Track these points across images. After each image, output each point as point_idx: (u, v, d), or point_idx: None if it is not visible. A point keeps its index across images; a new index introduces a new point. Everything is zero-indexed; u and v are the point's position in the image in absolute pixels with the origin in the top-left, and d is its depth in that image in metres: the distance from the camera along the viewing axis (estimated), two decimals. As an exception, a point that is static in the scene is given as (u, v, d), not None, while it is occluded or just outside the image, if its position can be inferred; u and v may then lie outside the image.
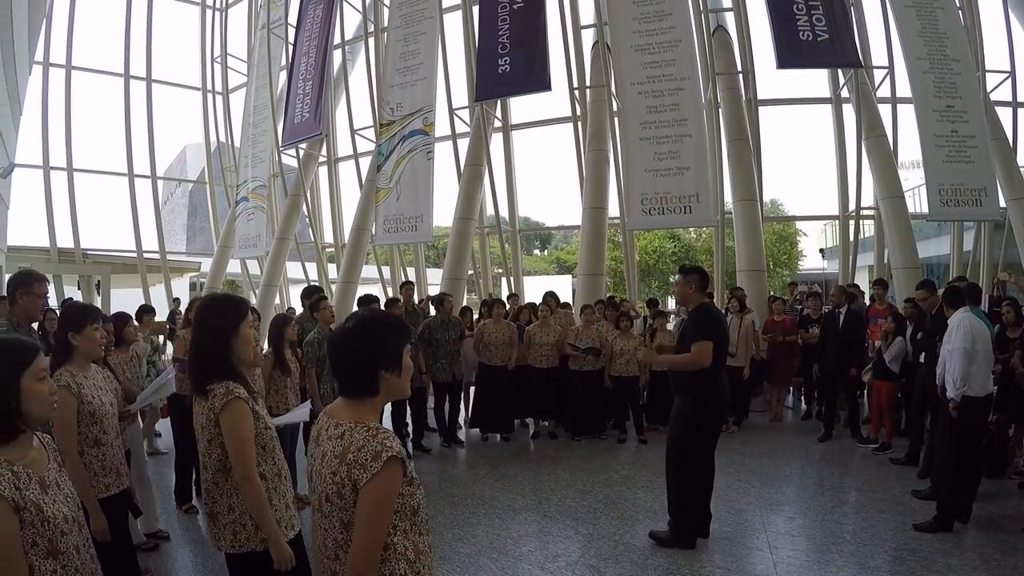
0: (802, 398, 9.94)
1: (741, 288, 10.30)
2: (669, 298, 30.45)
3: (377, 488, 1.71)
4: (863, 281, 12.59)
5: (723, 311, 9.50)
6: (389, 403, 2.01)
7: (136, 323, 6.37)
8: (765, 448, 7.86)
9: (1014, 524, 5.22)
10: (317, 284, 14.01)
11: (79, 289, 17.76)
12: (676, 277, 5.12)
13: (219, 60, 19.95)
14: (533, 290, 15.50)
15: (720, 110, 12.19)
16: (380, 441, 1.75)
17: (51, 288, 4.49)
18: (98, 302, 16.49)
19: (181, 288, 20.11)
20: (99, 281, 17.49)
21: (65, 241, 17.12)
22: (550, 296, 9.32)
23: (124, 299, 14.45)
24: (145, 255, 17.80)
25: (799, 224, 31.34)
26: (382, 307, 7.34)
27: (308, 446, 2.00)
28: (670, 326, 9.27)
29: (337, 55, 16.17)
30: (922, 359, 6.76)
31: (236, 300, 2.76)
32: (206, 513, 2.70)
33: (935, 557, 4.61)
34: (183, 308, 9.41)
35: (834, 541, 5.02)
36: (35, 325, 4.32)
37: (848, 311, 8.23)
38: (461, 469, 7.44)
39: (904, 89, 11.41)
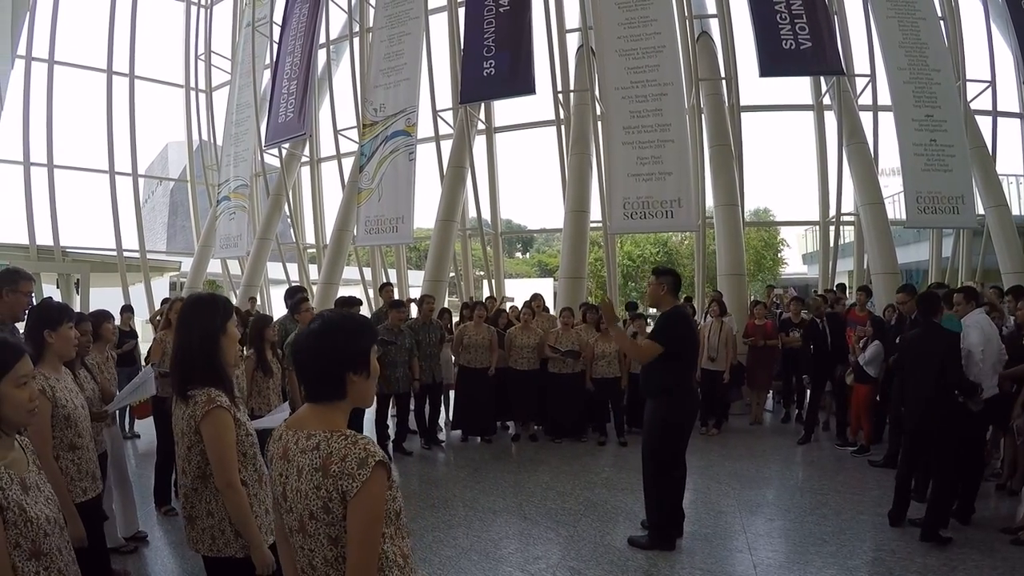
0: (781, 401, 9.99)
1: (718, 291, 10.34)
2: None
3: (368, 496, 1.66)
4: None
5: (704, 315, 9.59)
6: (373, 405, 1.94)
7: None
8: (745, 451, 7.90)
9: (992, 525, 5.29)
10: (300, 285, 13.92)
11: (58, 287, 17.51)
12: (650, 278, 5.14)
13: (203, 57, 19.75)
14: (514, 293, 15.49)
15: (703, 115, 12.24)
16: (363, 447, 1.70)
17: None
18: (77, 301, 16.31)
19: (161, 288, 19.91)
20: (78, 279, 17.28)
21: (45, 238, 16.84)
22: (534, 298, 9.34)
23: (103, 298, 14.29)
24: (125, 254, 17.58)
25: (782, 233, 31.56)
26: (365, 309, 7.30)
27: (272, 464, 1.87)
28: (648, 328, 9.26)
29: (322, 55, 16.10)
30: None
31: (222, 299, 2.73)
32: (184, 516, 2.66)
33: (913, 557, 4.65)
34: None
35: (813, 542, 5.05)
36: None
37: (829, 316, 8.30)
38: (442, 472, 7.42)
39: (885, 97, 11.49)
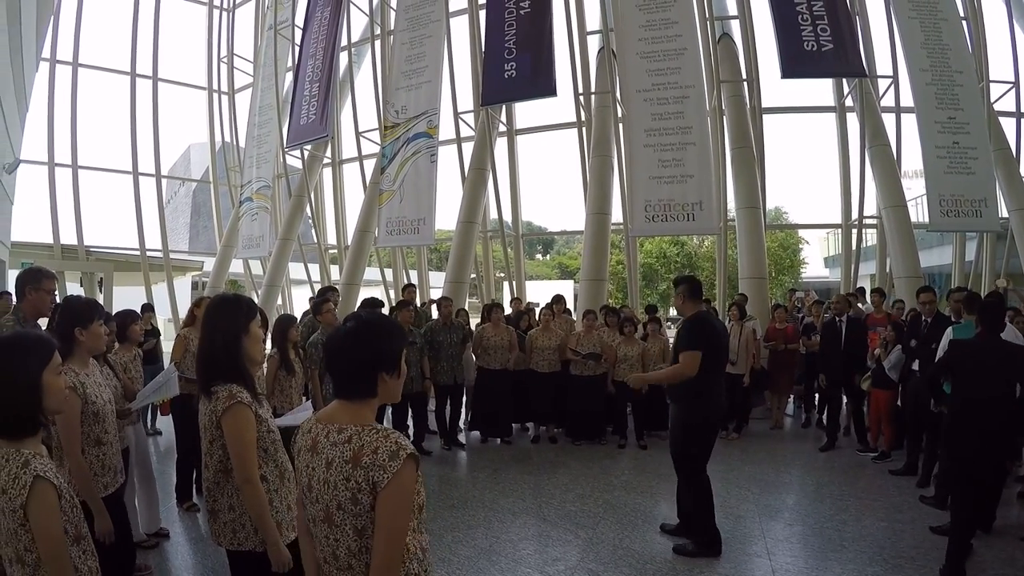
0: (802, 406, 9.93)
1: (742, 295, 10.28)
2: (672, 308, 30.52)
3: (398, 487, 1.71)
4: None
5: (725, 319, 9.52)
6: (390, 405, 1.99)
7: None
8: (765, 455, 7.87)
9: (1013, 533, 5.24)
10: (332, 286, 14.04)
11: (81, 286, 17.76)
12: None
13: (225, 60, 20.00)
14: (535, 295, 15.53)
15: (724, 118, 12.22)
16: (395, 441, 1.75)
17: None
18: (100, 299, 16.50)
19: (184, 287, 20.13)
20: (101, 278, 17.53)
21: (69, 238, 17.16)
22: (556, 300, 9.35)
23: (126, 297, 14.48)
24: (148, 253, 17.81)
25: (802, 232, 31.37)
26: (386, 310, 7.35)
27: (299, 456, 1.93)
28: (670, 332, 9.22)
29: (343, 57, 16.21)
30: (915, 367, 6.78)
31: (246, 300, 2.79)
32: (207, 510, 2.73)
33: (932, 565, 4.61)
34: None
35: (832, 548, 5.03)
36: (42, 321, 4.33)
37: (848, 319, 8.21)
38: (461, 472, 7.45)
39: (908, 98, 11.43)
